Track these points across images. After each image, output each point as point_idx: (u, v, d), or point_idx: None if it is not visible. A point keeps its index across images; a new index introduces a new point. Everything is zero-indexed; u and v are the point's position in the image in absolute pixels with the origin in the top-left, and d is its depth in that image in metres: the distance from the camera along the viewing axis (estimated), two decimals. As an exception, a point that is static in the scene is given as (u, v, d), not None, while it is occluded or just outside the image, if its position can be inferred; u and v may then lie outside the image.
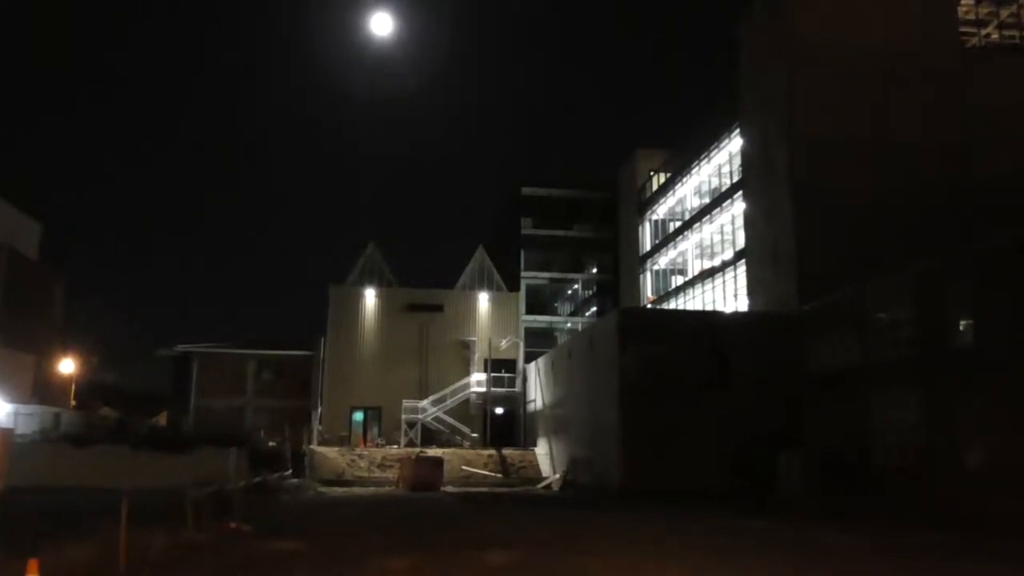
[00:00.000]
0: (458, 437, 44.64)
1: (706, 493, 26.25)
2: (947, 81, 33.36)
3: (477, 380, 46.71)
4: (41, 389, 39.60)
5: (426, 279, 62.04)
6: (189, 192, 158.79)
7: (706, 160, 41.98)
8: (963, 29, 35.38)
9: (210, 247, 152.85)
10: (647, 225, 50.32)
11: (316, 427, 44.13)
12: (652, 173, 50.01)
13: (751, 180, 36.15)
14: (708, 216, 41.23)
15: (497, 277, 50.72)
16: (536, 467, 40.91)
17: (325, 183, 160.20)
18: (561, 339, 53.70)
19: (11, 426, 29.04)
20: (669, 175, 47.56)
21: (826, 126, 32.47)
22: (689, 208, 44.85)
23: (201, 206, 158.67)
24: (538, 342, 50.93)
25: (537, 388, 44.55)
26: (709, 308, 39.57)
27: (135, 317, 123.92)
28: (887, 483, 23.65)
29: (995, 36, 36.05)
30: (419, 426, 44.51)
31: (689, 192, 44.88)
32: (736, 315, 34.79)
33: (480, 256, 51.11)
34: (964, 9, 35.62)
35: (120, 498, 10.40)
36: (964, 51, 34.77)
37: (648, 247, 49.75)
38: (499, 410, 47.76)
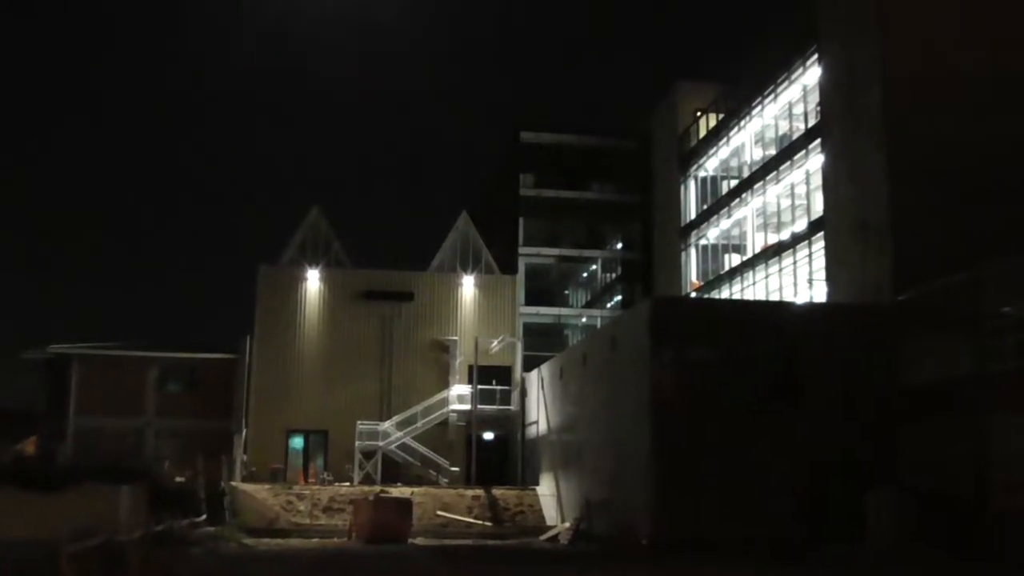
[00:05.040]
0: (432, 472, 44.83)
1: (766, 543, 26.45)
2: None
3: (459, 394, 46.89)
4: None
5: (390, 257, 62.19)
6: (74, 146, 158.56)
7: (771, 97, 42.03)
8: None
9: (104, 219, 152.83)
10: (691, 184, 50.37)
11: (240, 457, 44.29)
12: (698, 114, 49.96)
13: (832, 126, 36.22)
14: (774, 173, 41.34)
15: (487, 254, 50.81)
16: (538, 512, 41.17)
17: (255, 129, 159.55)
18: (573, 339, 53.81)
19: None
20: (721, 117, 47.60)
21: (933, 58, 32.46)
22: (748, 162, 44.94)
23: (92, 165, 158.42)
24: (542, 343, 51.09)
25: (540, 405, 44.77)
26: (774, 298, 39.72)
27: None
28: (1011, 535, 23.87)
29: None
30: (379, 456, 44.68)
31: (748, 140, 44.96)
32: (810, 307, 34.94)
33: (464, 226, 51.14)
34: None
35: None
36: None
37: (693, 214, 49.86)
38: (488, 435, 47.96)
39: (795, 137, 40.04)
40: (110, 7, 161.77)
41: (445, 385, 47.27)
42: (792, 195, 40.57)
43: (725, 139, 46.82)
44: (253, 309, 47.72)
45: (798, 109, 40.15)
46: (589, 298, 59.37)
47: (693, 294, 47.88)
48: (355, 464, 44.44)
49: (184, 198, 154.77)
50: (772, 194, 41.95)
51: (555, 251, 55.35)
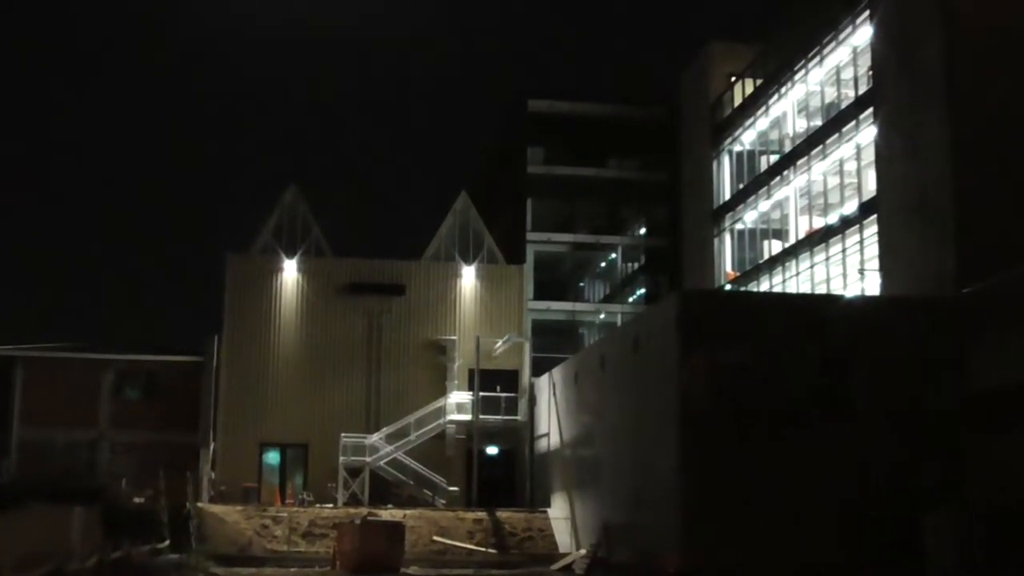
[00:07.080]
0: (428, 492, 44.95)
1: (810, 571, 26.49)
2: None
3: (458, 403, 46.97)
4: None
5: (379, 245, 62.14)
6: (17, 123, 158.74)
7: (816, 60, 42.02)
8: None
9: (47, 208, 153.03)
10: (725, 160, 50.38)
11: (208, 474, 44.43)
12: (733, 79, 50.02)
13: (886, 93, 36.22)
14: (820, 147, 41.36)
15: (489, 241, 50.83)
16: (549, 537, 41.29)
17: (225, 99, 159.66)
18: (589, 339, 53.86)
19: None
20: (760, 82, 47.63)
21: (1003, 12, 32.41)
22: (790, 134, 44.95)
23: (40, 143, 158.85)
24: (553, 343, 51.19)
25: (551, 415, 44.86)
26: (820, 290, 39.76)
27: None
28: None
29: None
30: (367, 474, 44.80)
31: (790, 109, 44.96)
32: (862, 301, 34.92)
33: (463, 207, 51.15)
34: None
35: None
36: None
37: (727, 195, 49.91)
38: (492, 450, 48.04)
39: (844, 106, 40.04)
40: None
41: (442, 392, 47.30)
42: (841, 172, 40.52)
43: (764, 108, 46.80)
44: (221, 305, 47.84)
45: (847, 74, 40.11)
46: (608, 291, 59.41)
47: (727, 286, 47.92)
48: (339, 483, 44.55)
49: (141, 178, 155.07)
50: (818, 171, 41.94)
51: (568, 237, 55.42)
